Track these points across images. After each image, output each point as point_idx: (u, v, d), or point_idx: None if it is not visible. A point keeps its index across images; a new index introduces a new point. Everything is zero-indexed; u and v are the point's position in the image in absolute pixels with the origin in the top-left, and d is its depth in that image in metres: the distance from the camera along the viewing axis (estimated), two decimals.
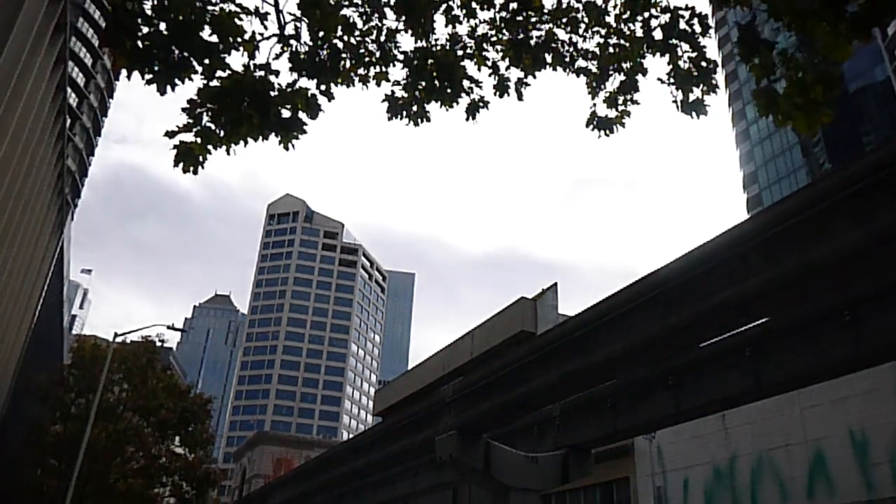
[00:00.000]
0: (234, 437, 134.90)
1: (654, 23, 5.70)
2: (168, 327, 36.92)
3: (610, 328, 14.24)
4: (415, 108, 5.66)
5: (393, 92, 5.65)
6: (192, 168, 4.84)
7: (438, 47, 5.68)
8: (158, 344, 39.54)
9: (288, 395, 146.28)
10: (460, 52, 5.76)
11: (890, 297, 11.89)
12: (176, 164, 4.80)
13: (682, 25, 5.64)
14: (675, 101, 5.72)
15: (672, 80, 5.70)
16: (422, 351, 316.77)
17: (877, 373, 15.77)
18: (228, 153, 4.89)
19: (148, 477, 36.70)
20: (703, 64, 5.67)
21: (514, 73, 6.01)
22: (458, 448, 18.13)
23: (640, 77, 5.95)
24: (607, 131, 6.05)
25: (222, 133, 4.84)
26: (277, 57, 5.01)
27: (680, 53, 5.68)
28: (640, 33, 5.77)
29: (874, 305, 12.15)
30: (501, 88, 5.99)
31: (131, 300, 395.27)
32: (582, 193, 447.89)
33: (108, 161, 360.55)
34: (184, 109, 4.80)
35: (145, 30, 4.59)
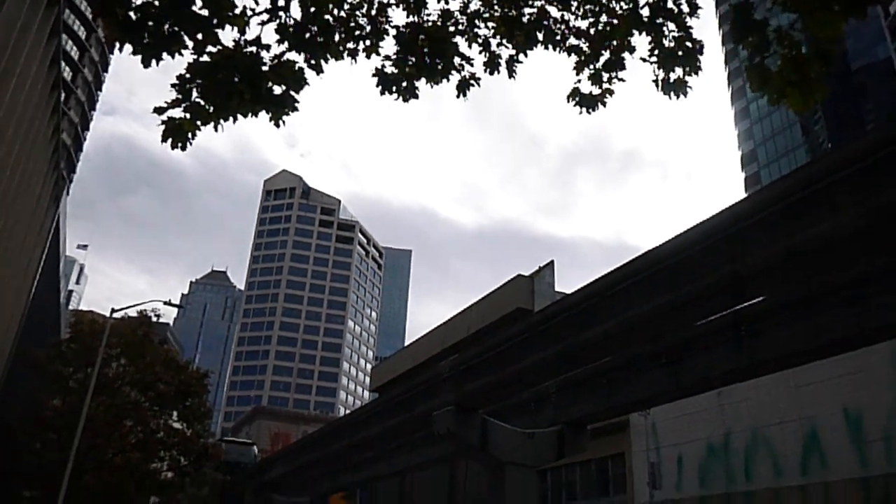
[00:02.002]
0: (231, 412, 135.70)
1: (641, 1, 5.61)
2: (165, 303, 36.91)
3: (607, 304, 14.27)
4: (405, 83, 5.59)
5: (384, 66, 5.58)
6: (180, 144, 4.80)
7: (430, 23, 5.60)
8: (154, 319, 39.52)
9: (285, 371, 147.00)
10: (452, 29, 5.67)
11: (889, 275, 11.89)
12: (164, 140, 4.76)
13: (670, 4, 5.55)
14: (655, 80, 5.65)
15: (655, 59, 5.61)
16: (418, 327, 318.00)
17: (872, 351, 15.83)
18: (216, 129, 4.84)
19: (146, 451, 36.92)
20: (688, 44, 5.57)
21: (506, 51, 5.93)
22: (455, 423, 18.24)
23: (626, 55, 5.86)
24: (590, 109, 5.98)
25: (212, 109, 4.79)
26: (263, 24, 4.93)
27: (666, 32, 5.59)
28: (628, 12, 5.69)
29: (873, 284, 12.15)
30: (492, 65, 5.91)
31: (124, 273, 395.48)
32: (576, 167, 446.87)
33: (98, 133, 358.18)
34: (173, 85, 4.75)
35: (138, 1, 4.51)
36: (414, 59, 5.52)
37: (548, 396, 19.90)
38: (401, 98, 5.58)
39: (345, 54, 5.34)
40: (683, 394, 17.52)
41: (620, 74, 5.87)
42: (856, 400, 18.09)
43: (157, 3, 4.48)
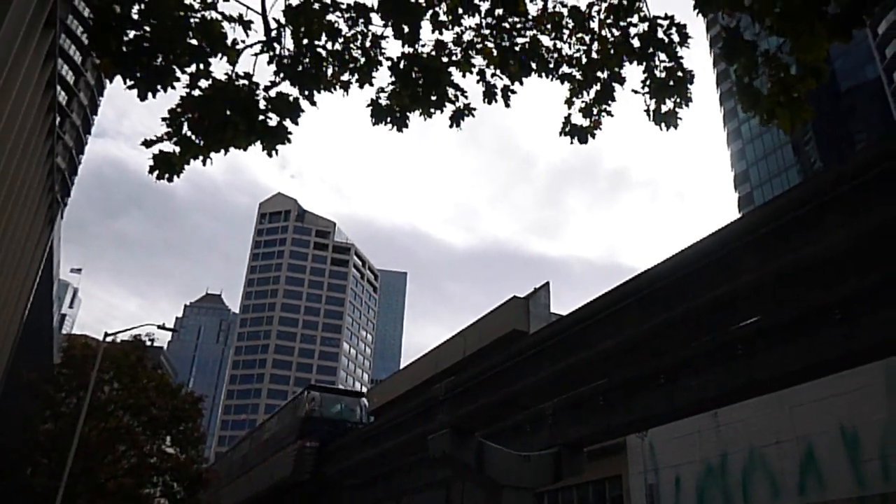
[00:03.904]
0: (225, 437, 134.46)
1: (632, 31, 5.68)
2: (159, 327, 36.69)
3: (603, 326, 14.28)
4: (398, 114, 5.67)
5: (378, 98, 5.65)
6: (167, 176, 4.85)
7: (425, 54, 5.66)
8: (148, 343, 39.26)
9: (280, 394, 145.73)
10: (446, 59, 5.74)
11: (880, 294, 11.94)
12: (151, 172, 4.81)
13: (660, 34, 5.62)
14: (647, 111, 5.70)
15: (646, 90, 5.67)
16: (413, 348, 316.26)
17: (867, 370, 15.85)
18: (205, 164, 4.87)
19: (139, 476, 36.48)
20: (679, 74, 5.63)
21: (500, 80, 6.00)
22: (451, 446, 18.15)
23: (616, 86, 5.93)
24: (581, 140, 6.06)
25: (202, 142, 4.82)
26: (257, 55, 4.98)
27: (657, 63, 5.65)
28: (619, 41, 5.75)
29: (865, 303, 12.21)
30: (489, 95, 5.99)
31: (114, 296, 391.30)
32: (566, 186, 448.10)
33: (89, 155, 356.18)
34: (164, 119, 4.78)
35: (131, 34, 4.55)
36: (409, 90, 5.59)
37: (544, 418, 19.83)
38: (394, 128, 5.65)
39: (338, 86, 5.40)
40: (680, 414, 17.49)
41: (610, 108, 5.94)
42: (851, 419, 18.07)
43: (149, 35, 4.53)
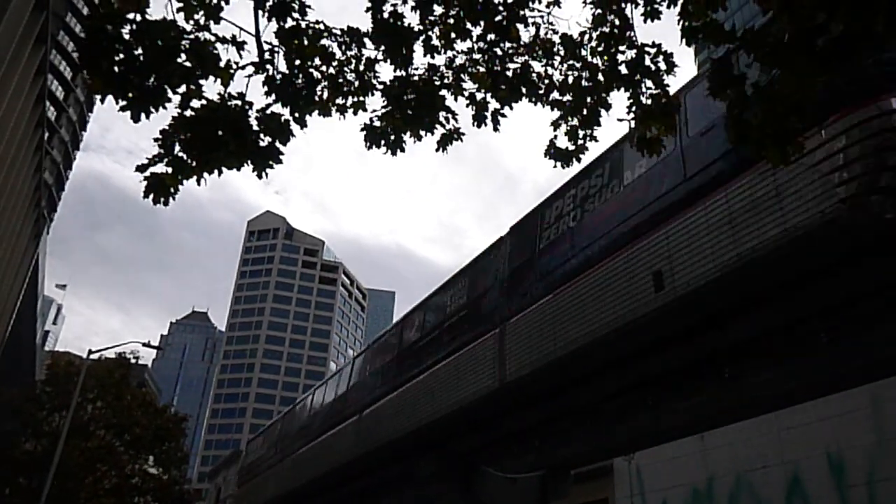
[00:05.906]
0: (209, 457, 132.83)
1: (620, 58, 5.72)
2: (144, 344, 36.41)
3: (592, 347, 14.26)
4: (392, 137, 5.68)
5: (371, 121, 5.66)
6: (163, 199, 4.83)
7: (417, 77, 5.70)
8: (133, 361, 38.90)
9: (265, 414, 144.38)
10: (438, 83, 5.79)
11: (869, 316, 12.01)
12: (146, 196, 4.78)
13: (647, 62, 5.65)
14: (631, 137, 5.76)
15: (632, 116, 5.68)
16: None
17: (853, 394, 15.89)
18: (199, 183, 4.86)
19: (120, 497, 35.99)
20: (665, 102, 5.64)
21: (491, 104, 6.06)
22: (437, 466, 18.02)
23: (602, 112, 5.96)
24: (565, 164, 6.07)
25: (195, 163, 4.80)
26: (250, 77, 4.99)
27: (643, 90, 5.67)
28: (608, 68, 5.79)
29: (853, 325, 12.26)
30: (479, 118, 6.03)
31: (96, 312, 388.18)
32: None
33: (73, 169, 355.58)
34: (156, 140, 4.77)
35: (121, 55, 4.54)
36: (401, 113, 5.61)
37: (530, 439, 19.73)
38: (389, 152, 5.66)
39: (334, 110, 5.40)
40: (669, 437, 17.40)
41: (595, 133, 5.98)
42: (838, 443, 18.08)
43: (141, 57, 4.51)
